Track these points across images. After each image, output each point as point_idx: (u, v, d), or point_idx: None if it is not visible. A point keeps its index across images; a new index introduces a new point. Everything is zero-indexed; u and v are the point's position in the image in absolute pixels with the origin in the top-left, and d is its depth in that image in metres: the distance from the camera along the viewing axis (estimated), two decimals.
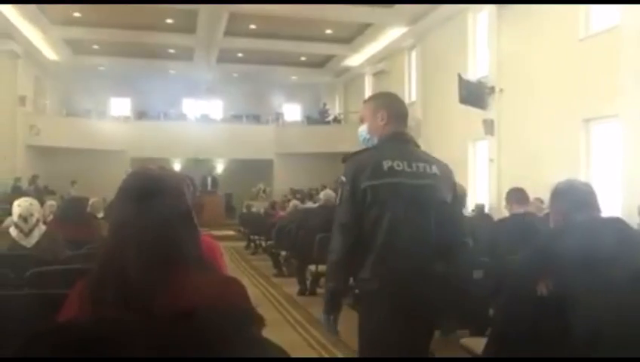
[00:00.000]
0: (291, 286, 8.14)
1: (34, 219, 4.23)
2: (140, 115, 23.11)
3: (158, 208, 1.40)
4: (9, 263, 3.69)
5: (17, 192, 14.14)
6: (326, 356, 5.00)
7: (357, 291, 2.54)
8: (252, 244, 13.55)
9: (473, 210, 12.14)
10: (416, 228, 2.39)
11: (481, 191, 13.83)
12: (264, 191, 21.89)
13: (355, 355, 2.76)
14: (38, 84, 20.76)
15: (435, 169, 2.58)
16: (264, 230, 11.75)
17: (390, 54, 19.21)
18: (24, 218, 4.24)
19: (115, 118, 23.01)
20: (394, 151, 2.52)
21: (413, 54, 17.89)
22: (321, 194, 7.96)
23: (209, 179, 21.10)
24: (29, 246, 4.15)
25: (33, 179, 17.47)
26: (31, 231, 4.20)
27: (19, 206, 4.37)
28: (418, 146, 2.70)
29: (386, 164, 2.45)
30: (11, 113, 17.94)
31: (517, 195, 4.85)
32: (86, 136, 20.07)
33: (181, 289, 1.31)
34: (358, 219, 2.41)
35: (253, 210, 16.90)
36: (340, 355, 4.93)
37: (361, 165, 2.49)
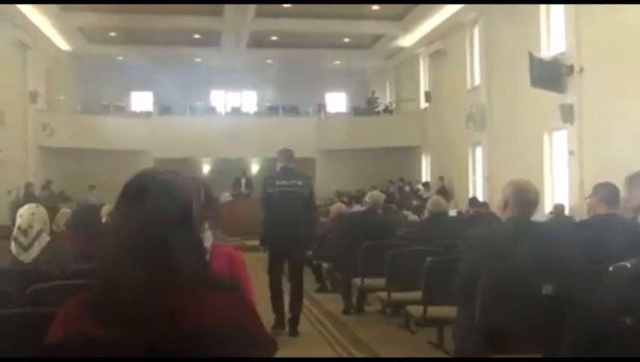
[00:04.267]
0: (335, 303, 8.09)
1: (34, 232, 4.28)
2: (164, 110, 23.44)
3: (158, 222, 1.46)
4: (11, 279, 3.77)
5: (30, 199, 14.49)
6: None
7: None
8: None
9: (551, 212, 11.86)
10: (289, 211, 6.47)
11: (560, 189, 13.50)
12: None
13: None
14: (51, 78, 21.32)
15: (300, 182, 6.71)
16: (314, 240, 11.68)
17: (448, 31, 18.98)
18: (23, 230, 4.30)
19: (136, 114, 23.45)
20: (282, 175, 6.77)
21: (475, 30, 17.64)
22: (367, 196, 7.88)
23: (242, 181, 21.18)
24: (27, 261, 4.20)
25: (47, 185, 17.90)
26: (31, 244, 4.24)
27: (20, 216, 4.43)
28: (294, 170, 6.84)
29: (278, 182, 6.67)
30: (22, 111, 18.44)
31: (607, 192, 4.55)
32: (104, 136, 20.43)
33: (180, 309, 1.39)
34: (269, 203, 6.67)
35: None
36: None
37: (268, 182, 6.84)
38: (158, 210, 1.47)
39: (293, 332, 6.52)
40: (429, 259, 5.08)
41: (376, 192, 8.09)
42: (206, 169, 24.79)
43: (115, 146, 20.73)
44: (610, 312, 2.91)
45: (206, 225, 2.92)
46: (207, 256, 3.48)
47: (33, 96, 18.83)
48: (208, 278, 1.52)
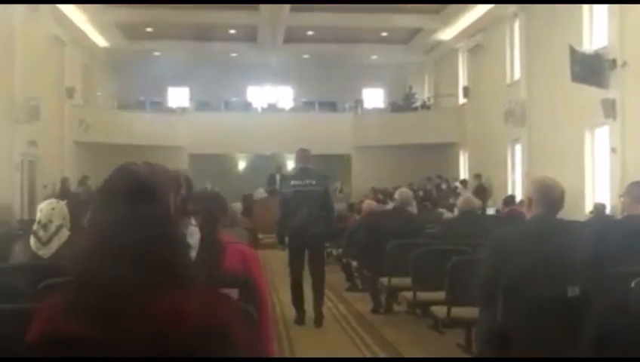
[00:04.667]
0: (364, 303, 8.06)
1: (53, 226, 4.31)
2: (200, 105, 23.66)
3: (135, 219, 1.45)
4: (24, 274, 3.80)
5: (65, 194, 14.75)
6: None
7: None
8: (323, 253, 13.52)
9: (591, 212, 11.61)
10: (304, 209, 6.90)
11: (602, 188, 13.22)
12: (341, 190, 21.84)
13: None
14: (87, 73, 21.68)
15: (314, 181, 7.03)
16: (333, 236, 11.66)
17: (488, 25, 18.75)
18: (43, 225, 4.34)
19: (172, 109, 23.70)
20: (297, 175, 7.37)
21: (516, 24, 17.40)
22: (397, 194, 7.78)
23: (277, 177, 21.19)
24: (46, 256, 4.23)
25: (84, 180, 18.16)
26: (50, 239, 4.27)
27: (40, 211, 4.48)
28: (309, 170, 7.20)
29: (293, 182, 7.20)
30: (58, 106, 18.76)
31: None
32: (140, 132, 20.73)
33: (155, 309, 1.38)
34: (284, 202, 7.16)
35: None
36: None
37: (284, 182, 7.91)
38: (135, 206, 1.46)
39: (318, 320, 6.88)
40: (454, 258, 5.00)
41: (404, 189, 7.99)
42: (241, 165, 24.95)
43: (151, 142, 20.94)
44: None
45: (192, 221, 2.92)
46: (220, 254, 3.50)
47: (70, 92, 19.17)
48: (189, 277, 1.48)
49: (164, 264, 1.43)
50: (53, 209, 4.46)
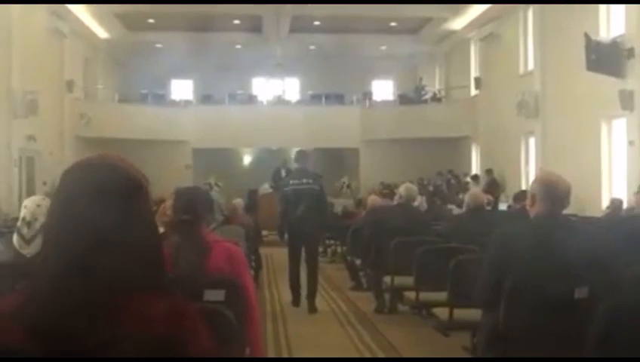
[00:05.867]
0: (368, 302, 7.99)
1: (38, 224, 4.22)
2: (204, 98, 23.62)
3: (93, 221, 1.37)
4: (4, 273, 3.73)
5: None
6: None
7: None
8: (328, 250, 13.48)
9: (608, 207, 11.45)
10: (302, 205, 7.78)
11: (619, 182, 13.05)
12: (348, 186, 21.76)
13: None
14: (88, 66, 21.69)
15: (310, 180, 7.94)
16: (338, 233, 11.61)
17: (501, 14, 18.59)
18: (27, 222, 4.25)
19: (175, 102, 23.66)
20: (295, 174, 8.41)
21: (530, 12, 17.23)
22: (402, 189, 7.67)
23: (283, 172, 21.13)
24: (30, 255, 4.15)
25: None
26: (33, 238, 4.19)
27: (25, 207, 4.39)
28: (306, 170, 8.18)
29: (292, 181, 8.19)
30: (58, 100, 18.78)
31: None
32: (142, 126, 20.74)
33: (110, 317, 1.33)
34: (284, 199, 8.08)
35: (337, 209, 16.82)
36: None
37: (284, 182, 8.78)
38: (95, 206, 1.38)
39: (312, 309, 7.83)
40: (457, 257, 4.89)
41: (409, 185, 7.86)
42: (247, 160, 24.89)
43: (154, 136, 20.98)
44: None
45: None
46: (204, 253, 3.40)
47: (70, 85, 19.19)
48: (150, 282, 1.41)
49: (132, 269, 1.38)
50: (38, 206, 4.37)
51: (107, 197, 1.40)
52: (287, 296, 8.36)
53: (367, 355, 5.86)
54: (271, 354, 5.74)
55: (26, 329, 1.29)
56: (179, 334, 1.36)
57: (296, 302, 8.10)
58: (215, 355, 1.46)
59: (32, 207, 4.37)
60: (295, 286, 8.12)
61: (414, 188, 7.82)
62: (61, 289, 1.32)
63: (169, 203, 3.68)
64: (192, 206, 3.32)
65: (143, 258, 1.41)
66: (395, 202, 8.15)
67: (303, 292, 8.04)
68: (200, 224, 3.34)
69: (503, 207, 15.42)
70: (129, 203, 1.43)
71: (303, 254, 8.15)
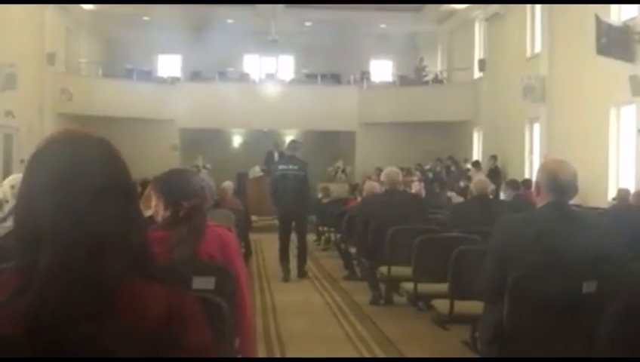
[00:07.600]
0: (363, 293, 7.99)
1: (9, 206, 4.18)
2: (192, 75, 23.52)
3: (75, 201, 1.35)
4: None
5: None
6: None
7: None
8: (322, 238, 13.48)
9: (614, 198, 11.46)
10: (289, 188, 9.46)
11: (628, 171, 13.09)
12: (344, 170, 21.77)
13: None
14: (70, 38, 21.52)
15: (296, 166, 9.62)
16: (333, 220, 11.61)
17: None
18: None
19: (162, 79, 23.52)
20: (284, 160, 10.26)
21: None
22: (382, 175, 7.61)
23: (275, 155, 21.07)
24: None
25: None
26: (3, 220, 4.15)
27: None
28: (296, 157, 9.84)
29: (280, 166, 10.05)
30: (38, 74, 18.63)
31: None
32: (127, 103, 20.64)
33: (100, 305, 1.31)
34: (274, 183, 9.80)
35: (332, 195, 16.86)
36: None
37: (274, 167, 10.80)
38: (76, 183, 1.36)
39: (301, 273, 9.59)
40: (459, 247, 4.87)
41: (392, 168, 7.68)
42: (237, 141, 24.83)
43: (139, 114, 20.87)
44: None
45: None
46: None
47: (51, 58, 19.05)
48: (141, 266, 1.40)
49: (123, 253, 1.36)
50: (12, 187, 4.32)
51: (93, 177, 1.38)
52: (278, 286, 8.38)
53: (363, 349, 5.84)
54: (261, 347, 5.71)
55: (17, 317, 1.28)
56: (177, 324, 1.36)
57: (286, 277, 9.39)
58: (213, 346, 1.45)
59: (7, 187, 4.31)
60: (285, 261, 9.53)
61: (397, 172, 7.64)
62: (51, 278, 1.30)
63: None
64: (173, 189, 3.27)
65: (131, 242, 1.39)
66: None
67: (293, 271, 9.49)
68: (202, 211, 3.29)
69: (502, 196, 15.42)
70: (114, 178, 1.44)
71: (293, 235, 9.79)
